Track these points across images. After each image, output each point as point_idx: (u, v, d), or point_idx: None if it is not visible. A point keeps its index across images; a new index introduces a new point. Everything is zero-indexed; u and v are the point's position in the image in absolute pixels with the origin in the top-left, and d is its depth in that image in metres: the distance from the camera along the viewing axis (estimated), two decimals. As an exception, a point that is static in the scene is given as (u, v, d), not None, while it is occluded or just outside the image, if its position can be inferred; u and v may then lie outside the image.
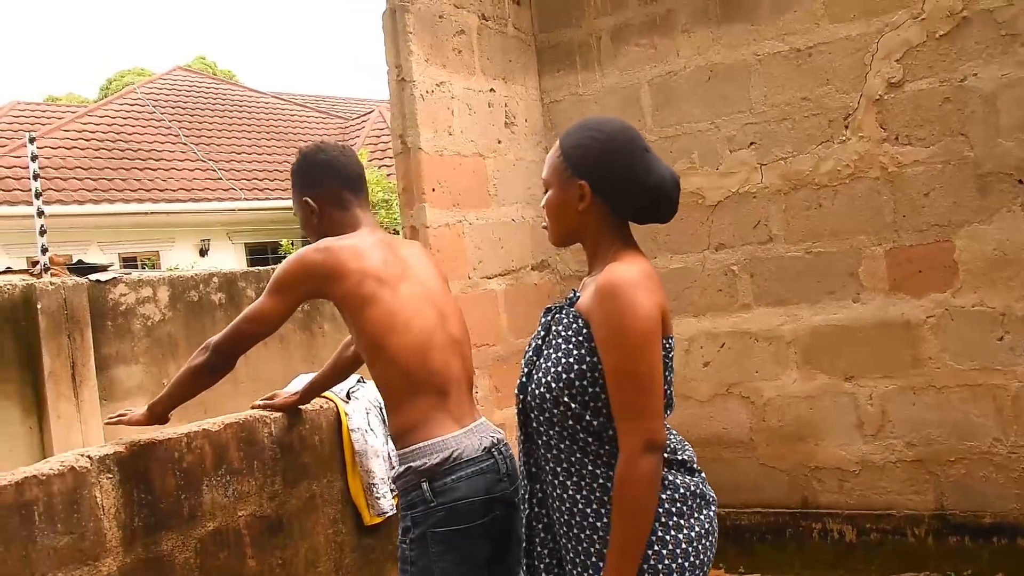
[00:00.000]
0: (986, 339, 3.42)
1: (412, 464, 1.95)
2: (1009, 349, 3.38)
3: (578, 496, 1.61)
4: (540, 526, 1.72)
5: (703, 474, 1.69)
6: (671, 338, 1.64)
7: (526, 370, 1.71)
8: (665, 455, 1.62)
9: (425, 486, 1.92)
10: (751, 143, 3.81)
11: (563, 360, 1.61)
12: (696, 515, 1.61)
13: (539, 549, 1.73)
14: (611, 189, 1.64)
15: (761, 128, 3.78)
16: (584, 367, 1.58)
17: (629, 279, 1.55)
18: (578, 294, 1.70)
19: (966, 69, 3.39)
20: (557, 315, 1.71)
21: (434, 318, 2.05)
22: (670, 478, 1.61)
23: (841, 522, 3.69)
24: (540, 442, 1.67)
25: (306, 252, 2.05)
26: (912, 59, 3.48)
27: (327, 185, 2.17)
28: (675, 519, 1.58)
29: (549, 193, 1.73)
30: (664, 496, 1.59)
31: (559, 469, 1.64)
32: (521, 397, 1.71)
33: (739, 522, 3.85)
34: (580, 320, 1.62)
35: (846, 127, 3.62)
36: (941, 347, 3.49)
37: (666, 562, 1.55)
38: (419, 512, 1.94)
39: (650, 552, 1.55)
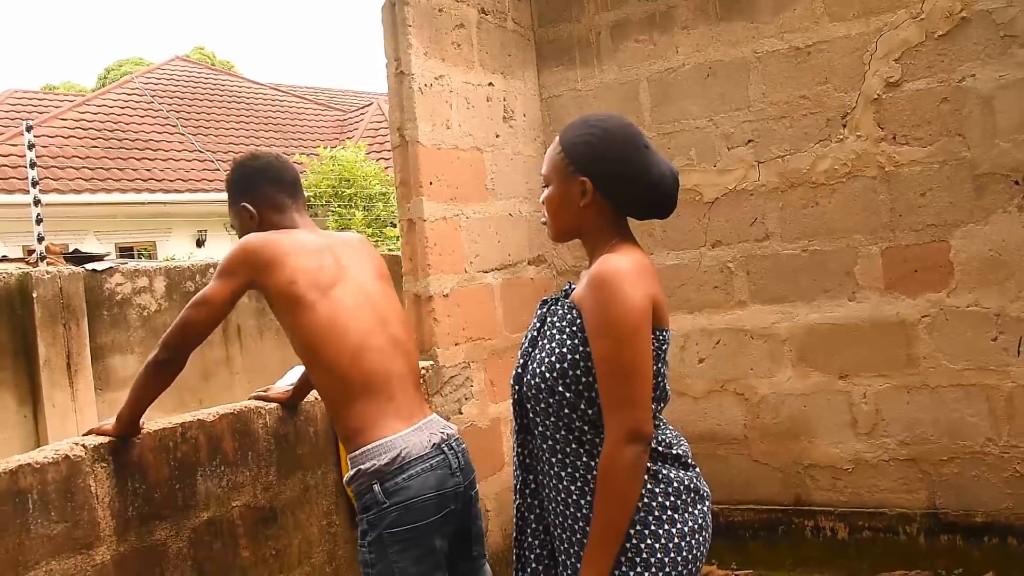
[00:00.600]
0: (980, 339, 3.43)
1: (361, 467, 1.96)
2: (1003, 349, 3.39)
3: (572, 487, 1.62)
4: (532, 516, 1.73)
5: (698, 469, 1.70)
6: (666, 330, 1.64)
7: (521, 361, 1.73)
8: (660, 449, 1.63)
9: (376, 488, 1.93)
10: (749, 141, 3.81)
11: (557, 350, 1.62)
12: (690, 510, 1.62)
13: (530, 539, 1.74)
14: (612, 186, 1.65)
15: (759, 126, 3.79)
16: (578, 356, 1.59)
17: (619, 269, 1.56)
18: (574, 286, 1.72)
19: (964, 70, 3.40)
20: (552, 306, 1.72)
21: (371, 321, 2.06)
22: (664, 472, 1.62)
23: (834, 519, 3.71)
24: (536, 432, 1.68)
25: (248, 237, 2.07)
26: (911, 59, 3.49)
27: (263, 190, 2.19)
28: (669, 513, 1.59)
29: (549, 189, 1.72)
30: (658, 490, 1.59)
31: (554, 460, 1.65)
32: (516, 388, 1.72)
33: (732, 518, 3.86)
34: (574, 310, 1.63)
35: (844, 126, 3.62)
36: (935, 347, 3.51)
37: (658, 556, 1.56)
38: (373, 514, 1.95)
39: (643, 546, 1.56)
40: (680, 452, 1.67)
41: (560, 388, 1.60)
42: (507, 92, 3.98)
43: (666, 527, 1.58)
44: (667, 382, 1.69)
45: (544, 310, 1.75)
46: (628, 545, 1.56)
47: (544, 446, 1.67)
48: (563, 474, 1.64)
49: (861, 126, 3.59)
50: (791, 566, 3.72)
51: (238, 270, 2.03)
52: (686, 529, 1.60)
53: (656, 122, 4.02)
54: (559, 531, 1.67)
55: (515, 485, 1.77)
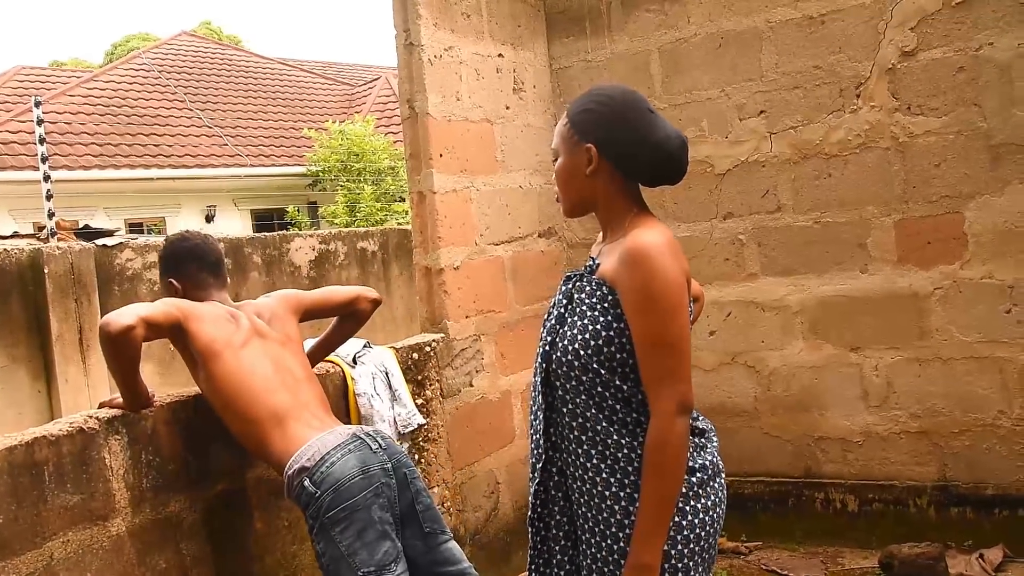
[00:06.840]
0: (993, 312, 3.40)
1: (289, 473, 2.12)
2: (1016, 322, 3.37)
3: (602, 465, 1.61)
4: (559, 495, 1.72)
5: (716, 442, 1.71)
6: (692, 301, 1.65)
7: (549, 338, 1.70)
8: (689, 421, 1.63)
9: (307, 482, 2.09)
10: (761, 111, 3.77)
11: (590, 327, 1.61)
12: (712, 484, 1.63)
13: (558, 517, 1.73)
14: (617, 150, 1.64)
15: (772, 96, 3.74)
16: (612, 333, 1.59)
17: (655, 244, 1.56)
18: (597, 261, 1.69)
19: (982, 38, 3.34)
20: (578, 283, 1.70)
21: (273, 368, 2.25)
22: (690, 448, 1.62)
23: (844, 492, 3.71)
24: (565, 411, 1.66)
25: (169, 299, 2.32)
26: (927, 27, 3.43)
27: (188, 268, 2.39)
28: (695, 489, 1.60)
29: (559, 161, 1.73)
30: (696, 466, 1.61)
31: (584, 438, 1.63)
32: (544, 365, 1.70)
33: (742, 491, 3.87)
34: (604, 287, 1.62)
35: (858, 96, 3.58)
36: (948, 319, 3.48)
37: (684, 532, 1.57)
38: (312, 508, 2.09)
39: (675, 521, 1.57)
40: (705, 427, 1.68)
41: (595, 365, 1.60)
42: (517, 63, 3.94)
43: (691, 503, 1.58)
44: None
45: (570, 286, 1.73)
46: None
47: (573, 424, 1.65)
48: (592, 452, 1.62)
49: (875, 96, 3.55)
50: (800, 538, 3.74)
51: (165, 316, 2.15)
52: (709, 503, 1.61)
53: (667, 93, 3.98)
54: (583, 510, 1.66)
55: (534, 464, 1.75)
